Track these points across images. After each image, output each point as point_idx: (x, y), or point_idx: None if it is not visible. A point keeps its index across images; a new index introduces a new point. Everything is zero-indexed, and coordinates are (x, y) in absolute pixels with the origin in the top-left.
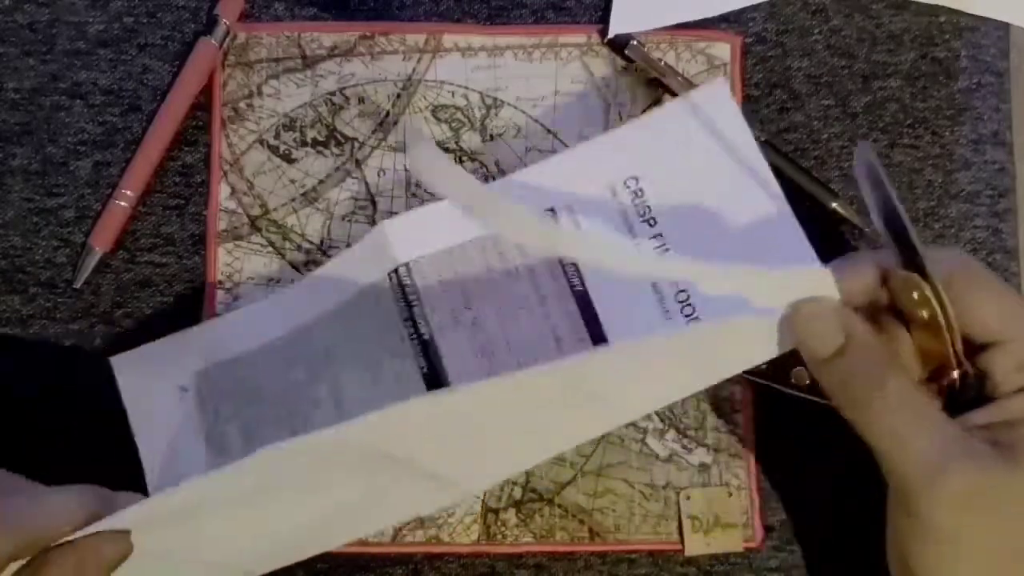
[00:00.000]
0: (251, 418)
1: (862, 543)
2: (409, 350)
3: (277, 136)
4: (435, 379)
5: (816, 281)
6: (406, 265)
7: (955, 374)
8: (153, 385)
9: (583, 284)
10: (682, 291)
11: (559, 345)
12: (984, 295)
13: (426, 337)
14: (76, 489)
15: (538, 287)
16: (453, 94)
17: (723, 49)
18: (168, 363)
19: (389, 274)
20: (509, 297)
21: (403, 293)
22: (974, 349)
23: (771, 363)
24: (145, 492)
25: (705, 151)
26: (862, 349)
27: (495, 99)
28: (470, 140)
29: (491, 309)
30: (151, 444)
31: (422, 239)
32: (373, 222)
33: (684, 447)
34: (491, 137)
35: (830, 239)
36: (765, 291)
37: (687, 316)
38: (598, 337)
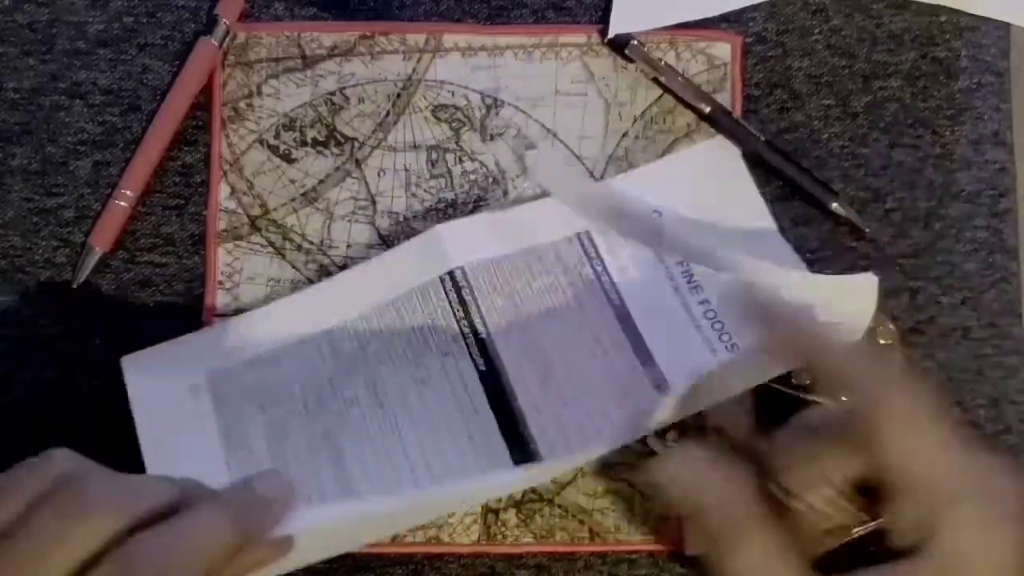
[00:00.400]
0: (277, 417)
1: (861, 542)
2: (463, 349)
3: (277, 136)
4: (494, 378)
5: (862, 285)
6: (461, 268)
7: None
8: (161, 385)
9: (620, 299)
10: (717, 322)
11: (606, 356)
12: (894, 435)
13: (483, 336)
14: (156, 476)
15: (580, 302)
16: (453, 94)
17: (723, 49)
18: (180, 363)
19: (442, 276)
20: (555, 308)
21: (458, 294)
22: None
23: None
24: None
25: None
26: (719, 509)
27: (495, 99)
28: (470, 140)
29: (539, 317)
30: (154, 443)
31: (475, 246)
32: (373, 222)
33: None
34: (491, 137)
35: (830, 239)
36: (816, 292)
37: (725, 344)
38: (643, 352)
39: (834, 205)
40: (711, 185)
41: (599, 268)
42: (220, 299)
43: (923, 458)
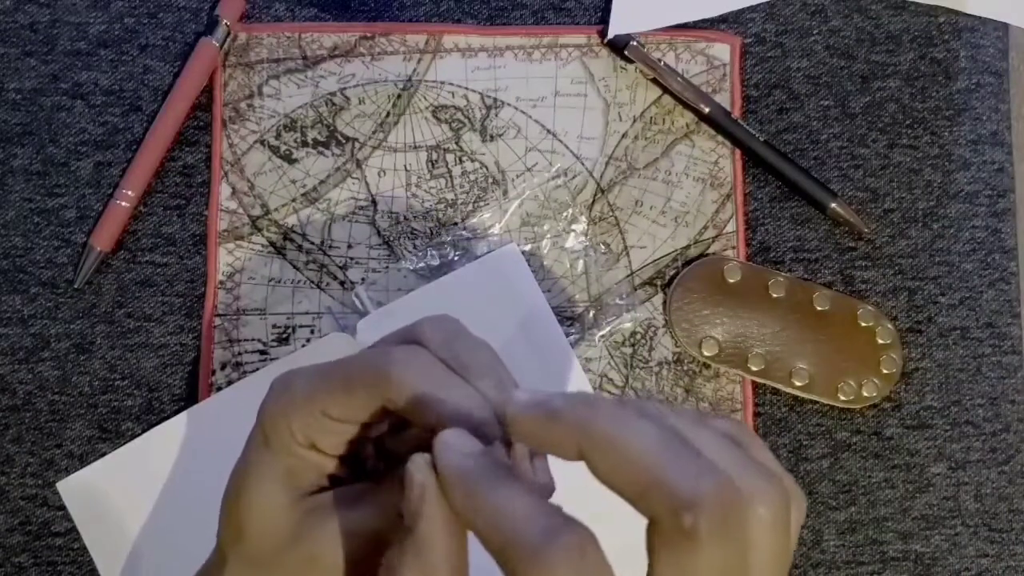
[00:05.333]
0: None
1: (861, 542)
2: None
3: (278, 136)
4: None
5: None
6: None
7: None
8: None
9: None
10: None
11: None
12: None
13: None
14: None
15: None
16: (453, 94)
17: (722, 50)
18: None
19: None
20: None
21: None
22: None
23: (773, 362)
24: None
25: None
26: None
27: (495, 99)
28: (470, 140)
29: None
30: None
31: None
32: (374, 222)
33: None
34: (491, 137)
35: (829, 239)
36: None
37: None
38: None
39: (833, 205)
40: (499, 295)
41: None
42: (221, 299)
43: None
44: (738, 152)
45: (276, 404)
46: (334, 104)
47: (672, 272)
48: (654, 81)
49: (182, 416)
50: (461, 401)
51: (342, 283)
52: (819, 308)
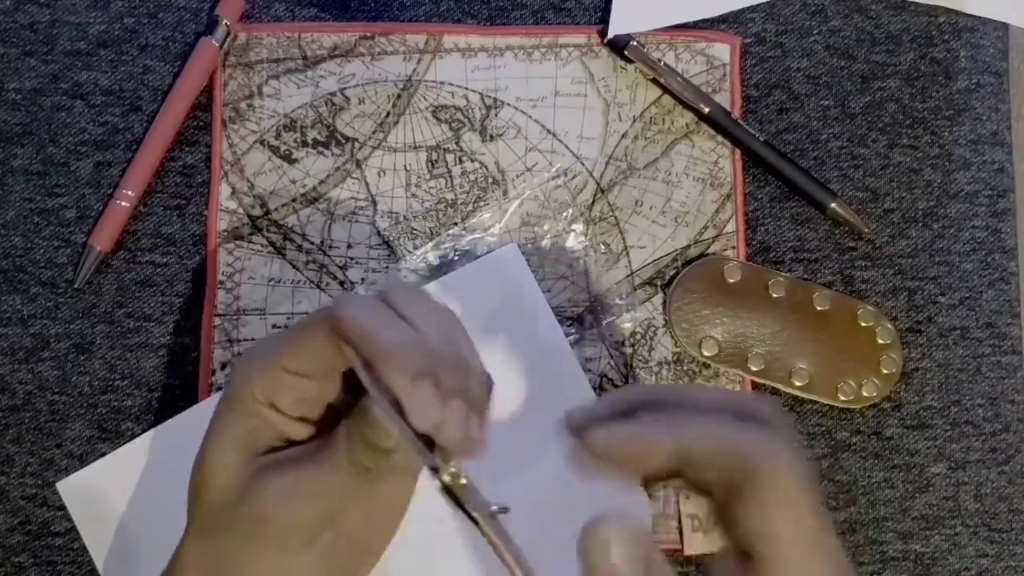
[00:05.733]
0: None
1: (861, 542)
2: None
3: (278, 136)
4: None
5: None
6: None
7: None
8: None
9: None
10: None
11: None
12: (761, 506)
13: None
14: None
15: None
16: (453, 94)
17: (722, 50)
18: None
19: None
20: None
21: None
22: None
23: (773, 362)
24: None
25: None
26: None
27: (495, 99)
28: (470, 140)
29: None
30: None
31: None
32: (373, 222)
33: None
34: (491, 137)
35: (829, 239)
36: None
37: None
38: None
39: (833, 205)
40: (499, 295)
41: None
42: (221, 299)
43: (800, 546)
44: (738, 152)
45: (240, 366)
46: (334, 104)
47: (672, 272)
48: (654, 81)
49: (182, 416)
50: (398, 335)
51: (342, 283)
52: (819, 308)
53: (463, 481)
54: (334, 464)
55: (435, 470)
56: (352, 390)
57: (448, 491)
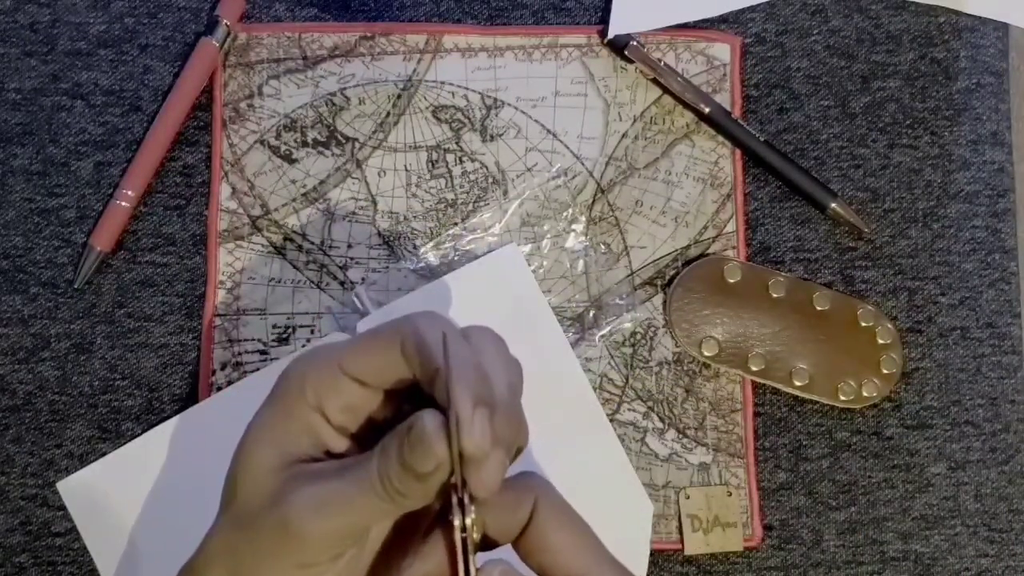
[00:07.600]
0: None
1: (861, 542)
2: None
3: (278, 136)
4: None
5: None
6: None
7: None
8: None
9: None
10: None
11: None
12: (564, 535)
13: None
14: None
15: None
16: (453, 94)
17: (722, 50)
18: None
19: None
20: None
21: None
22: None
23: (773, 362)
24: None
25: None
26: None
27: (495, 99)
28: (470, 140)
29: None
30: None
31: None
32: (374, 222)
33: (684, 447)
34: (491, 137)
35: (829, 239)
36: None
37: None
38: None
39: (833, 205)
40: (499, 295)
41: None
42: (221, 299)
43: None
44: (738, 152)
45: (297, 362)
46: (334, 104)
47: (672, 272)
48: (654, 81)
49: (182, 416)
50: (467, 357)
51: (342, 283)
52: (819, 308)
53: (476, 536)
54: (366, 484)
55: (462, 505)
56: (394, 411)
57: (462, 536)
